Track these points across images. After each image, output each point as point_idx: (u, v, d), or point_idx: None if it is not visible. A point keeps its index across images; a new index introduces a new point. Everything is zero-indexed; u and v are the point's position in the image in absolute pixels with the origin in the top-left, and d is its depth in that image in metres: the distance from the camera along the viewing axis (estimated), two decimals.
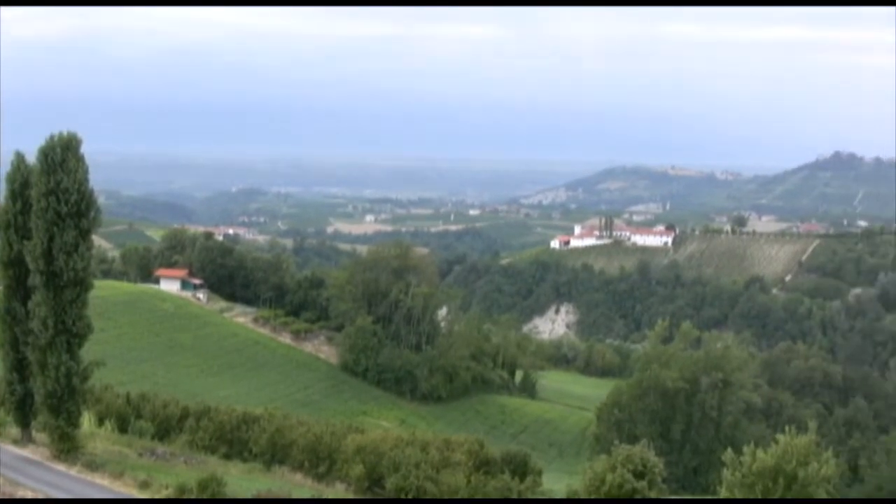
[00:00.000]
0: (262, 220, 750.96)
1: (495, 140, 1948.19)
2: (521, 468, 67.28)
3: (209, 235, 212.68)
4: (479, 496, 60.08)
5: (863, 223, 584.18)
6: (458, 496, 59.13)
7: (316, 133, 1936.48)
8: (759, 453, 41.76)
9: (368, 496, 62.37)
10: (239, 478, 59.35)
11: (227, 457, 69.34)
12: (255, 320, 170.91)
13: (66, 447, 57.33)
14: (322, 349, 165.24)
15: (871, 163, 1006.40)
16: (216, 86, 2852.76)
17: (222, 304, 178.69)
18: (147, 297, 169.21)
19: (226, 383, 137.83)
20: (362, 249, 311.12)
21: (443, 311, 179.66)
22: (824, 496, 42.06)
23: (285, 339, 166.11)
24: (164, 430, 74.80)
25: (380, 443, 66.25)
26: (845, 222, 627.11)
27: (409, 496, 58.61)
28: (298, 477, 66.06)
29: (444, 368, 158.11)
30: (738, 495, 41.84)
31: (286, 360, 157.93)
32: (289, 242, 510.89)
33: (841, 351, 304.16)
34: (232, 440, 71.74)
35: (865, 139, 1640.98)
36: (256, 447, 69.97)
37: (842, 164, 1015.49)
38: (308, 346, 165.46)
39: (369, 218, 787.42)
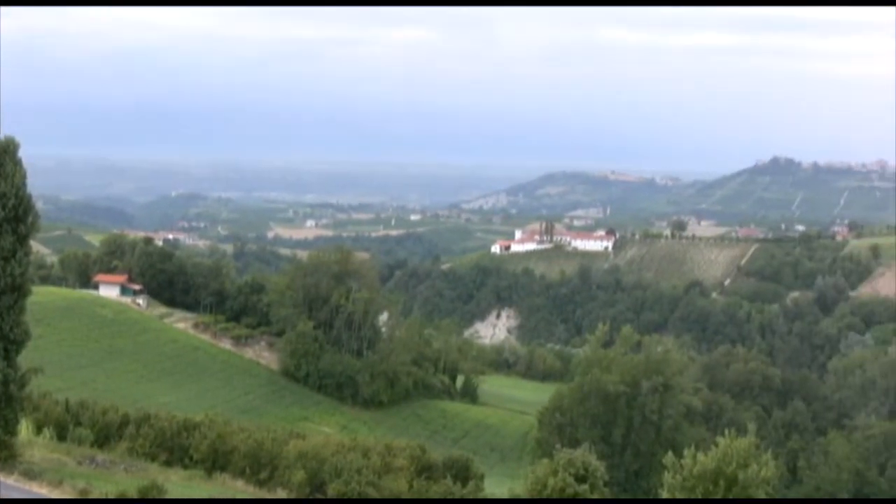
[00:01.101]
0: (202, 225, 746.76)
1: (436, 144, 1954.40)
2: (462, 473, 67.34)
3: (149, 241, 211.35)
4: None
5: (800, 228, 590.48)
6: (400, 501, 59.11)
7: (255, 137, 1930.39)
8: (700, 456, 42.02)
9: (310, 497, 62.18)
10: (179, 485, 58.95)
11: (168, 464, 68.76)
12: (196, 326, 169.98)
13: (4, 455, 56.56)
14: (263, 355, 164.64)
15: (808, 168, 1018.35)
16: (155, 89, 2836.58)
17: (162, 309, 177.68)
18: (86, 302, 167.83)
19: (166, 389, 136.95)
20: (303, 254, 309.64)
21: (384, 317, 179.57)
22: (764, 497, 42.41)
23: (226, 344, 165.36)
24: (104, 438, 74.03)
25: (321, 448, 66.05)
26: (783, 227, 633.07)
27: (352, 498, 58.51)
28: (240, 483, 65.67)
29: (385, 373, 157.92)
30: (679, 498, 42.10)
31: (227, 365, 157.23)
32: (229, 248, 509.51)
33: (780, 354, 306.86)
34: (172, 447, 71.14)
35: (803, 145, 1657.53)
36: (197, 454, 69.44)
37: (780, 170, 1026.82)
38: (249, 352, 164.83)
39: (310, 223, 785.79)
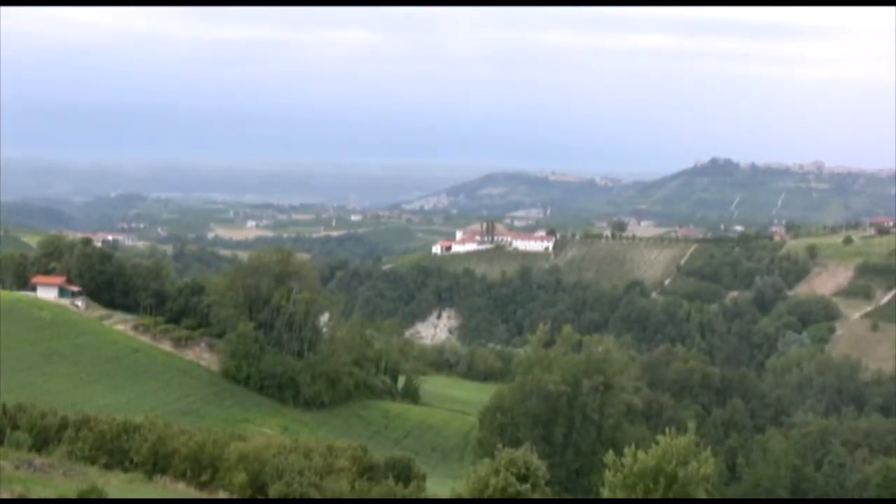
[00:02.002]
0: (141, 226, 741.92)
1: (377, 145, 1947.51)
2: (404, 473, 67.44)
3: (87, 242, 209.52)
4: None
5: (739, 228, 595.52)
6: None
7: (195, 138, 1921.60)
8: (640, 454, 42.43)
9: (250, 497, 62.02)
10: (119, 488, 58.61)
11: (108, 467, 68.36)
12: (135, 328, 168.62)
13: None
14: (203, 356, 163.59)
15: (746, 169, 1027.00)
16: (93, 89, 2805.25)
17: (101, 311, 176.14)
18: (23, 305, 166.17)
19: (105, 392, 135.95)
20: (243, 255, 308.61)
21: (325, 317, 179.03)
22: (703, 495, 42.84)
23: (166, 346, 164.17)
24: (42, 441, 73.45)
25: (263, 450, 65.92)
26: (722, 227, 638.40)
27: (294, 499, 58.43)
28: (181, 486, 65.40)
29: (326, 374, 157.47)
30: (620, 496, 42.43)
31: (167, 367, 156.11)
32: (169, 249, 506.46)
33: (719, 353, 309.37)
34: (112, 450, 70.75)
35: (742, 146, 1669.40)
36: (137, 457, 69.11)
37: (718, 170, 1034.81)
38: (189, 354, 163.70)
39: (250, 223, 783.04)
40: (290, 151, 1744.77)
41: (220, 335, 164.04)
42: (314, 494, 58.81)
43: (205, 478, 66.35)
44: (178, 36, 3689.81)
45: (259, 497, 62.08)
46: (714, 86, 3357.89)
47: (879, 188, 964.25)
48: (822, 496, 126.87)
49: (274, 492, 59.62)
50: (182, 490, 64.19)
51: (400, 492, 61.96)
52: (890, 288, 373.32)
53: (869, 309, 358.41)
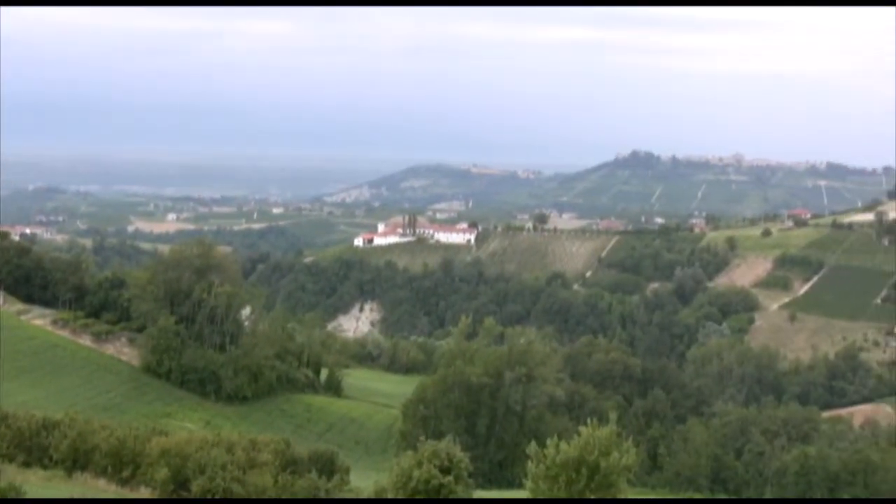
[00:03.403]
0: (60, 219, 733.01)
1: (298, 137, 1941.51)
2: (328, 467, 67.37)
3: (4, 235, 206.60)
4: (286, 496, 59.92)
5: (660, 220, 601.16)
6: (266, 496, 58.89)
7: (115, 130, 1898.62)
8: (563, 445, 42.65)
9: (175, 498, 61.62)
10: (38, 486, 58.00)
11: (27, 464, 67.52)
12: (55, 322, 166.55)
13: None
14: (124, 351, 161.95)
15: (667, 161, 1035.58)
16: (9, 79, 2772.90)
17: (19, 306, 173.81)
18: None
19: (24, 388, 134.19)
20: (164, 249, 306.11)
21: (246, 311, 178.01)
22: (625, 486, 43.20)
23: (86, 341, 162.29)
24: None
25: (185, 445, 65.47)
26: (643, 219, 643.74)
27: (217, 498, 58.12)
28: (102, 483, 64.81)
29: (248, 368, 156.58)
30: (543, 487, 42.65)
31: (87, 362, 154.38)
32: (88, 242, 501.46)
33: (640, 344, 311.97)
34: (31, 447, 69.88)
35: (663, 139, 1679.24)
36: (57, 453, 68.32)
37: (640, 163, 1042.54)
38: (109, 349, 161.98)
39: (171, 216, 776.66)
40: (211, 144, 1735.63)
41: (140, 329, 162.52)
42: (237, 489, 58.56)
43: (126, 474, 65.76)
44: (97, 26, 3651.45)
45: (183, 494, 61.71)
46: (635, 79, 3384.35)
47: (797, 181, 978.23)
48: (742, 484, 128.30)
49: (196, 487, 59.27)
50: (103, 487, 63.63)
51: (323, 486, 61.87)
52: (807, 279, 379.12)
53: (787, 300, 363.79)
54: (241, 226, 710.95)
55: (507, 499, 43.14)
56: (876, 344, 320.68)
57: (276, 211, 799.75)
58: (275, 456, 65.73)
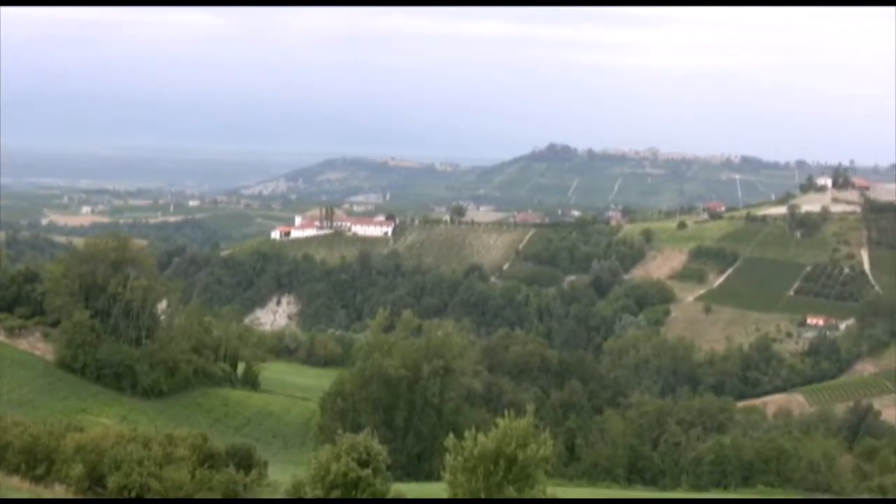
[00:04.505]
0: None
1: (215, 130, 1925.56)
2: (246, 461, 67.09)
3: None
4: (203, 491, 59.59)
5: (576, 213, 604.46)
6: (183, 492, 58.50)
7: (27, 121, 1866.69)
8: (480, 437, 42.85)
9: (90, 496, 61.04)
10: None
11: None
12: None
13: None
14: (38, 346, 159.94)
15: (584, 155, 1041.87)
16: None
17: None
18: None
19: None
20: (79, 242, 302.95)
21: (163, 304, 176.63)
22: (543, 477, 43.46)
23: None
24: None
25: (100, 441, 64.83)
26: (560, 212, 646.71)
27: (133, 495, 57.67)
28: (15, 480, 63.87)
29: (164, 362, 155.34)
30: (461, 479, 42.80)
31: (0, 358, 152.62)
32: (1, 235, 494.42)
33: (557, 336, 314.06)
34: None
35: (579, 132, 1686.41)
36: None
37: (556, 156, 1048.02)
38: (23, 344, 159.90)
39: (86, 209, 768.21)
40: (126, 135, 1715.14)
41: (55, 324, 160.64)
42: (154, 484, 58.14)
43: (40, 471, 64.94)
44: (4, 13, 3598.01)
45: (98, 495, 61.16)
46: (552, 73, 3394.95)
47: (712, 174, 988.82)
48: (659, 474, 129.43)
49: (112, 483, 58.78)
50: (16, 485, 62.79)
51: (241, 480, 61.63)
52: (722, 271, 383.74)
53: (702, 292, 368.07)
54: (157, 219, 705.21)
55: (446, 499, 43.21)
56: (789, 335, 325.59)
57: (192, 204, 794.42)
58: (192, 451, 65.26)
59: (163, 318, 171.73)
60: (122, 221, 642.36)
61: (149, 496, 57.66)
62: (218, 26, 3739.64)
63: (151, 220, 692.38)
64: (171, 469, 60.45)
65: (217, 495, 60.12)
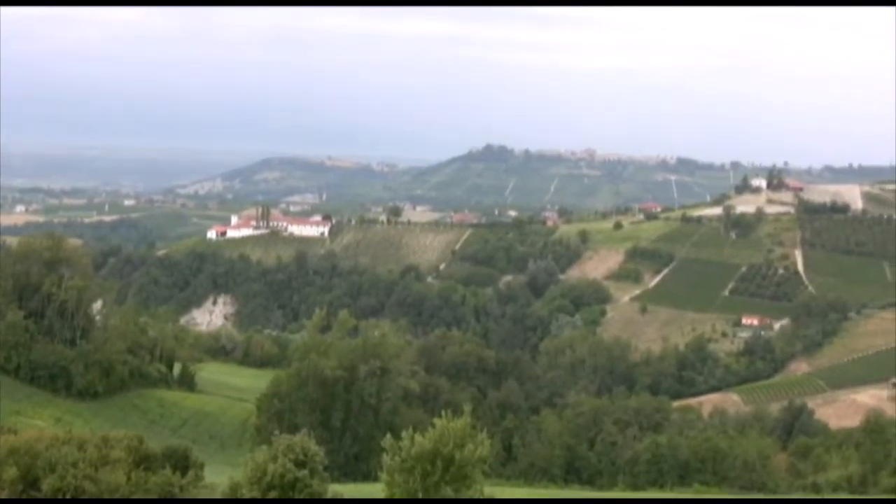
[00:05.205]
0: None
1: (152, 129, 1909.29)
2: (182, 462, 66.62)
3: None
4: (139, 492, 59.24)
5: (513, 213, 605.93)
6: (119, 494, 58.13)
7: None
8: (418, 438, 42.99)
9: (24, 498, 60.51)
10: None
11: None
12: None
13: None
14: None
15: (520, 155, 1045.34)
16: None
17: None
18: None
19: None
20: (12, 241, 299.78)
21: (98, 305, 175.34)
22: (481, 477, 43.66)
23: None
24: None
25: (35, 443, 64.24)
26: (497, 212, 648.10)
27: (68, 497, 57.24)
28: None
29: (100, 363, 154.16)
30: (398, 479, 42.91)
31: None
32: None
33: (494, 336, 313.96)
34: None
35: (516, 133, 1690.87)
36: None
37: (493, 156, 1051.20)
38: None
39: (19, 208, 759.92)
40: (60, 134, 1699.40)
41: None
42: (89, 487, 57.72)
43: None
44: None
45: (33, 494, 60.66)
46: (489, 74, 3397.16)
47: (648, 175, 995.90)
48: (595, 474, 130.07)
49: (47, 486, 58.29)
50: None
51: (178, 482, 61.30)
52: (658, 272, 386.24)
53: (638, 292, 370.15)
54: (92, 218, 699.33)
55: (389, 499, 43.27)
56: (724, 335, 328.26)
57: (127, 203, 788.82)
58: (127, 452, 64.79)
59: (98, 318, 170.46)
60: (56, 221, 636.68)
61: (84, 498, 57.23)
62: (150, 24, 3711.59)
63: (86, 220, 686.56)
64: (106, 471, 60.01)
65: (153, 497, 59.73)
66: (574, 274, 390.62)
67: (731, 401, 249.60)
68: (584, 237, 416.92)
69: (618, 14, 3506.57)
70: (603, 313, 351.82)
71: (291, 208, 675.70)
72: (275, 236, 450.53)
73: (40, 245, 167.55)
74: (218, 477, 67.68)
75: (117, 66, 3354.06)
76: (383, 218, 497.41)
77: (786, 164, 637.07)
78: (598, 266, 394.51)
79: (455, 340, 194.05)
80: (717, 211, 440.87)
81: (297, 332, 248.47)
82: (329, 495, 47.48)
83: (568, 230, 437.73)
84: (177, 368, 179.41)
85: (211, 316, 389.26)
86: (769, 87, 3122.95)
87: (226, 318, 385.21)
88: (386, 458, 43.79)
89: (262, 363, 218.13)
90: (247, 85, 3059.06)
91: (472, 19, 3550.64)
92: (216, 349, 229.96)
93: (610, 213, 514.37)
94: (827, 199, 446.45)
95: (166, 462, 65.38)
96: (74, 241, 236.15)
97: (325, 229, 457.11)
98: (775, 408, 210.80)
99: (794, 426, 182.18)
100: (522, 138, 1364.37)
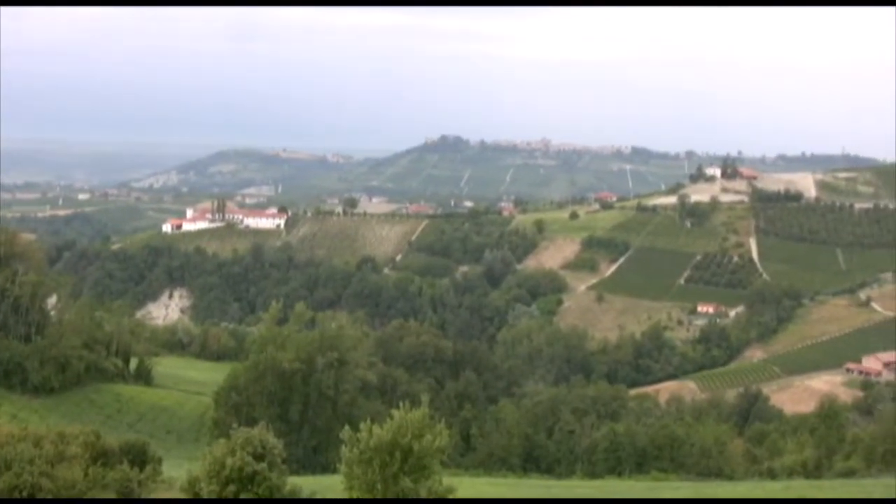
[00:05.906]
0: None
1: (105, 121, 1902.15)
2: (140, 457, 66.37)
3: None
4: (97, 488, 58.98)
5: (469, 203, 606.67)
6: (76, 490, 57.84)
7: None
8: (376, 429, 42.99)
9: None
10: None
11: None
12: None
13: None
14: None
15: (476, 146, 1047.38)
16: None
17: None
18: None
19: None
20: None
21: (52, 300, 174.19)
22: (439, 467, 43.74)
23: None
24: None
25: None
26: (453, 203, 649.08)
27: (24, 495, 56.87)
28: None
29: (55, 359, 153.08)
30: (357, 471, 42.92)
31: None
32: None
33: (451, 326, 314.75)
34: None
35: (472, 124, 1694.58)
36: None
37: (449, 147, 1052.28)
38: None
39: None
40: (12, 127, 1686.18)
41: None
42: (46, 484, 57.38)
43: None
44: None
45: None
46: (443, 65, 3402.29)
47: (603, 165, 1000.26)
48: (554, 462, 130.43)
49: (3, 483, 57.88)
50: None
51: (135, 477, 61.08)
52: (614, 261, 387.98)
53: (594, 281, 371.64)
54: (46, 212, 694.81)
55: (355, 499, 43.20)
56: (680, 323, 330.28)
57: (81, 197, 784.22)
58: (84, 448, 64.46)
59: (53, 313, 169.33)
60: (9, 215, 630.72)
61: (40, 496, 56.88)
62: (104, 16, 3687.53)
63: (40, 214, 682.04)
64: (63, 467, 59.68)
65: (111, 493, 59.50)
66: (531, 264, 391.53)
67: (688, 388, 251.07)
68: (540, 227, 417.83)
69: (561, 9, 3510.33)
70: (559, 303, 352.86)
71: (247, 201, 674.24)
72: (230, 229, 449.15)
73: None
74: (176, 471, 67.45)
75: (72, 62, 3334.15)
76: (339, 210, 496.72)
77: (740, 153, 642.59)
78: (554, 256, 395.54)
79: (412, 331, 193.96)
80: (671, 200, 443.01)
81: (254, 325, 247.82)
82: (288, 488, 47.42)
83: (524, 220, 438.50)
84: (133, 363, 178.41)
85: (167, 310, 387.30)
86: (723, 79, 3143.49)
87: (182, 311, 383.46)
88: (344, 450, 43.80)
89: (219, 356, 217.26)
90: (200, 76, 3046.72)
91: (422, 12, 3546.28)
92: (173, 343, 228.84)
93: (566, 202, 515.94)
94: (780, 188, 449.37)
95: (124, 457, 65.09)
96: (28, 236, 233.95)
97: (281, 221, 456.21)
98: (731, 394, 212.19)
99: (750, 412, 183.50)
100: (478, 129, 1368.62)
